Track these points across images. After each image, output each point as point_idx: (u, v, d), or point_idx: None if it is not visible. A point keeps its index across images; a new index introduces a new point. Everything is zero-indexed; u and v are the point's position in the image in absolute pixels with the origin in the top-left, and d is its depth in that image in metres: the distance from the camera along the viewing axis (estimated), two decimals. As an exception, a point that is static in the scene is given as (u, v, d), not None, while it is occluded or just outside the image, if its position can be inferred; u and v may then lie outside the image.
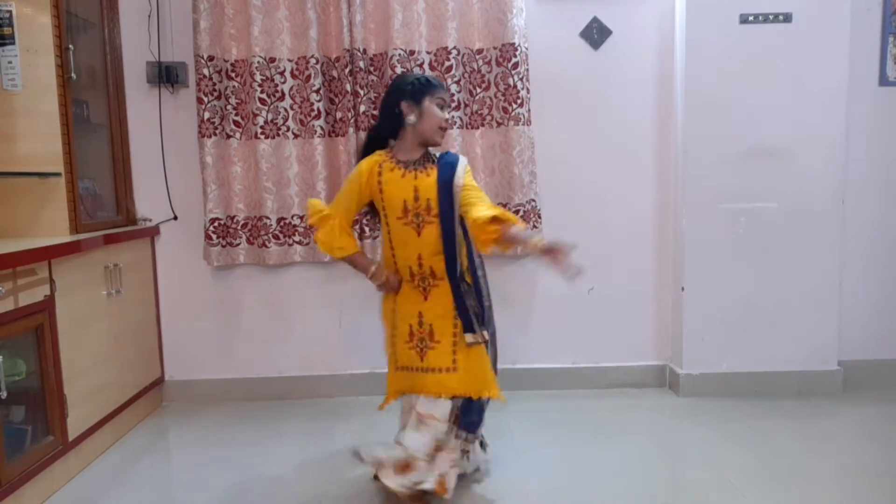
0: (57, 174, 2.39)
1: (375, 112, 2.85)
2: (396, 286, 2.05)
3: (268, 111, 2.82)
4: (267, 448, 2.52)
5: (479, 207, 1.88)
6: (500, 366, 2.35)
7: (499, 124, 2.85)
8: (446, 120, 2.02)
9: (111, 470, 2.38)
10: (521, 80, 2.80)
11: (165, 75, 2.86)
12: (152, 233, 2.95)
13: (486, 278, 2.09)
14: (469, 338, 1.98)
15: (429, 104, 1.97)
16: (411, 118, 1.97)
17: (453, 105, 2.09)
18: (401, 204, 1.96)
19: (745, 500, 2.03)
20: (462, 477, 2.11)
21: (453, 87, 2.80)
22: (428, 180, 1.96)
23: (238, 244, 2.89)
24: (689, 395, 2.91)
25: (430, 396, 1.97)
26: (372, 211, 2.09)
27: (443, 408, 1.96)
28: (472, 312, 1.99)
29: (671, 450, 2.48)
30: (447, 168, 1.97)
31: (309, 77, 2.80)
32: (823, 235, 2.87)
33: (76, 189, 2.45)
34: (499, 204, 2.88)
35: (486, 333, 2.01)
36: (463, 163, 2.00)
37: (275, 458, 2.43)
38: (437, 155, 2.03)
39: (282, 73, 2.82)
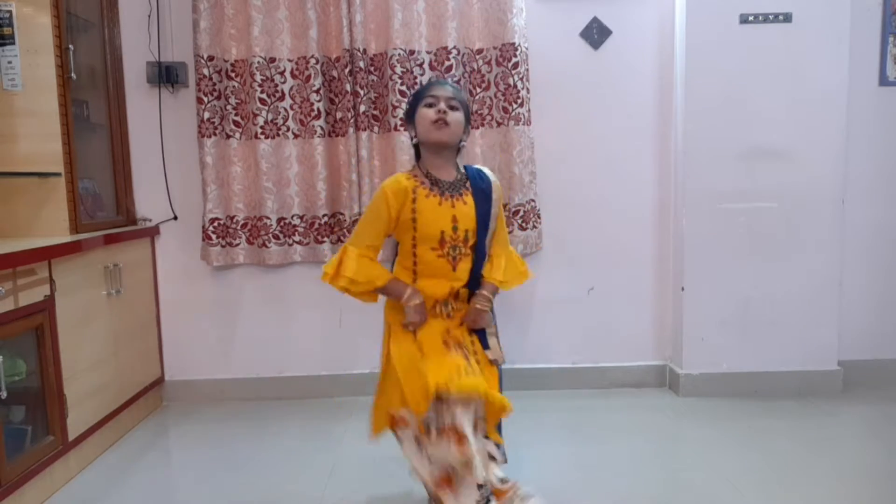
0: (57, 174, 2.39)
1: (376, 112, 2.86)
2: (425, 316, 1.84)
3: (268, 111, 2.82)
4: (267, 448, 2.52)
5: (491, 265, 1.90)
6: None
7: (499, 124, 2.85)
8: (438, 111, 1.82)
9: (111, 470, 2.38)
10: (521, 79, 2.80)
11: (165, 75, 2.86)
12: (152, 233, 2.95)
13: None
14: (490, 354, 1.86)
15: (419, 112, 1.86)
16: (413, 138, 1.90)
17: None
18: (437, 234, 1.81)
19: (745, 500, 2.03)
20: None
21: (453, 87, 2.80)
22: (466, 209, 1.84)
23: (238, 244, 2.89)
24: (689, 395, 2.91)
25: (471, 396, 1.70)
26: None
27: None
28: (488, 329, 1.90)
29: (671, 450, 2.48)
30: (482, 197, 1.86)
31: (309, 77, 2.80)
32: (823, 235, 2.87)
33: (76, 189, 2.45)
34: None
35: (502, 353, 1.91)
36: (496, 190, 1.90)
37: (275, 458, 2.43)
38: (465, 172, 1.91)
39: (282, 73, 2.82)
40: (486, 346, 1.88)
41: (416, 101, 1.89)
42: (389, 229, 1.84)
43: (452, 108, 1.85)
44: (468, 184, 1.89)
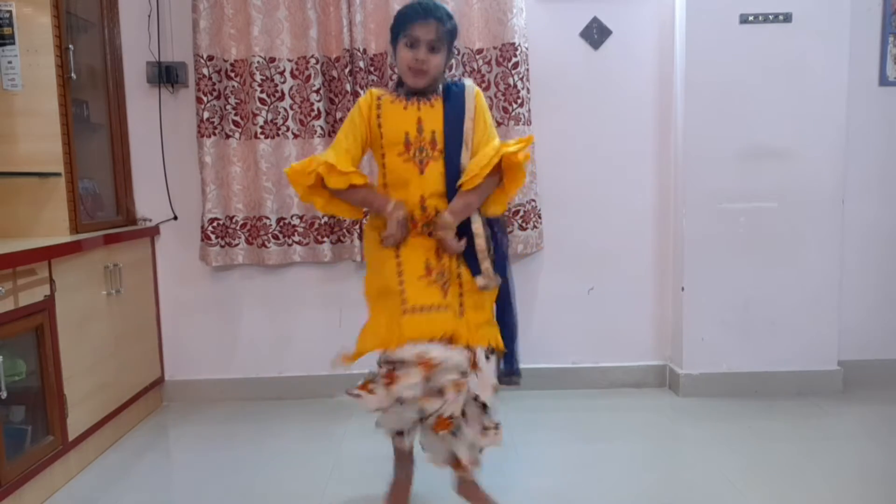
0: (57, 174, 2.39)
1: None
2: (407, 232, 1.77)
3: (268, 111, 2.82)
4: (267, 448, 2.52)
5: (468, 168, 1.76)
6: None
7: (499, 124, 2.84)
8: (417, 59, 1.74)
9: (111, 470, 2.38)
10: (521, 79, 2.80)
11: (165, 75, 2.86)
12: (152, 233, 2.95)
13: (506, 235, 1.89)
14: (479, 280, 1.75)
15: (399, 47, 1.78)
16: (395, 63, 1.82)
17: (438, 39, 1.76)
18: (402, 137, 1.76)
19: (745, 500, 2.03)
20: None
21: (453, 87, 2.80)
22: (433, 111, 1.78)
23: (237, 244, 2.88)
24: (689, 395, 2.91)
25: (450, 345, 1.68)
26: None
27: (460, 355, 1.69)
28: (479, 253, 1.76)
29: (671, 450, 2.48)
30: (454, 100, 1.79)
31: (309, 77, 2.80)
32: (823, 235, 2.87)
33: (76, 189, 2.45)
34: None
35: (495, 277, 1.78)
36: (471, 92, 1.81)
37: (275, 458, 2.43)
38: (443, 86, 1.83)
39: (282, 73, 2.82)
40: (476, 272, 1.77)
41: (398, 28, 1.79)
42: (365, 139, 1.81)
43: (434, 49, 1.76)
44: (440, 92, 1.81)
